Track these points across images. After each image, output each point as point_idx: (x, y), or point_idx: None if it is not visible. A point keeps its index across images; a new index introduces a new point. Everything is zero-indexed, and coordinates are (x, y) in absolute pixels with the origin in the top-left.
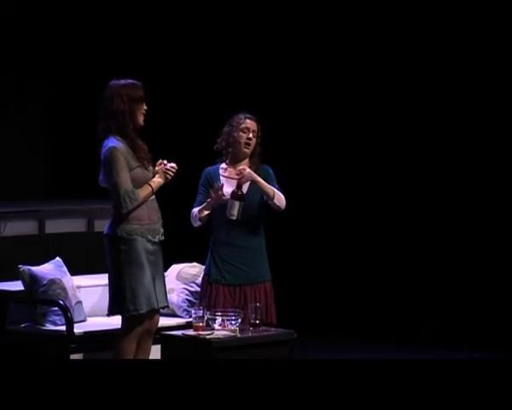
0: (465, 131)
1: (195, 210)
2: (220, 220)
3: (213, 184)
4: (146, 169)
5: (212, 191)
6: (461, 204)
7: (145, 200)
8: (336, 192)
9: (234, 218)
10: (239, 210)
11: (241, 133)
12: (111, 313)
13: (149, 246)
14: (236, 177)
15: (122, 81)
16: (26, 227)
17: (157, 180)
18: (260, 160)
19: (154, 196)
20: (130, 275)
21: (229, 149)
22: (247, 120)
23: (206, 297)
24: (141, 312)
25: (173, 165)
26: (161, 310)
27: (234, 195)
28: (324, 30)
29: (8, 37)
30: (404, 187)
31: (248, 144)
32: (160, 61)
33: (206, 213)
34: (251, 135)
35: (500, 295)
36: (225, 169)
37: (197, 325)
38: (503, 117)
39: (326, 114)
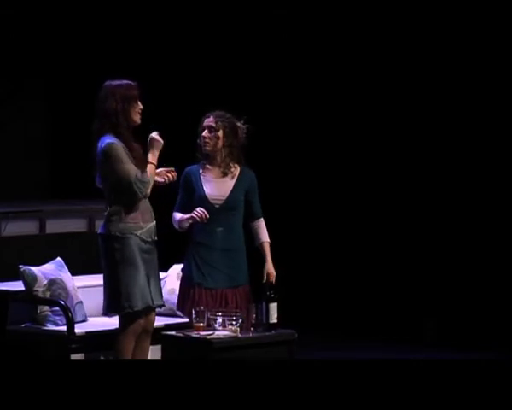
0: (465, 131)
1: (177, 217)
2: (201, 223)
3: (191, 184)
4: (140, 168)
5: (197, 214)
6: (462, 202)
7: (153, 177)
8: (337, 192)
9: (276, 321)
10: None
11: (201, 133)
12: (107, 311)
13: (143, 245)
14: (214, 178)
15: (116, 81)
16: (26, 227)
17: (151, 153)
18: (239, 160)
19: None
20: (125, 273)
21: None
22: (205, 119)
23: (188, 300)
24: (136, 309)
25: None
26: (161, 310)
27: (268, 298)
28: (318, 30)
29: (8, 35)
30: (405, 186)
31: (205, 142)
32: (161, 59)
33: (187, 224)
34: (205, 132)
35: (502, 294)
36: (204, 168)
37: (198, 325)
38: (502, 117)
39: (327, 113)
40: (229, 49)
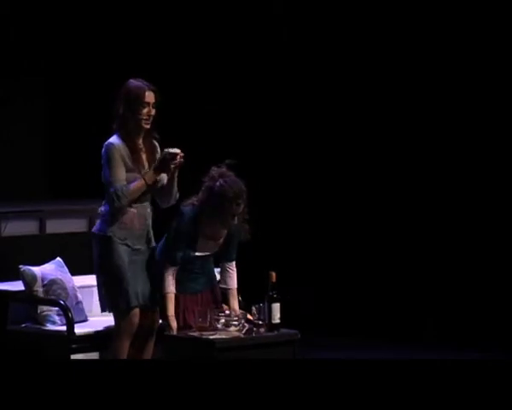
0: (465, 131)
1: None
2: None
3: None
4: (139, 173)
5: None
6: (461, 202)
7: (137, 193)
8: (338, 192)
9: (279, 322)
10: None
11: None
12: (102, 309)
13: (130, 250)
14: (209, 252)
15: (130, 82)
16: (26, 227)
17: (151, 172)
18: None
19: (146, 203)
20: (110, 274)
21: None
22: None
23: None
24: (121, 309)
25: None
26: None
27: (270, 299)
28: (317, 31)
29: (8, 34)
30: (404, 186)
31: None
32: (161, 58)
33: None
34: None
35: (502, 294)
36: (201, 234)
37: (200, 325)
38: (502, 117)
39: (329, 110)
40: (226, 49)
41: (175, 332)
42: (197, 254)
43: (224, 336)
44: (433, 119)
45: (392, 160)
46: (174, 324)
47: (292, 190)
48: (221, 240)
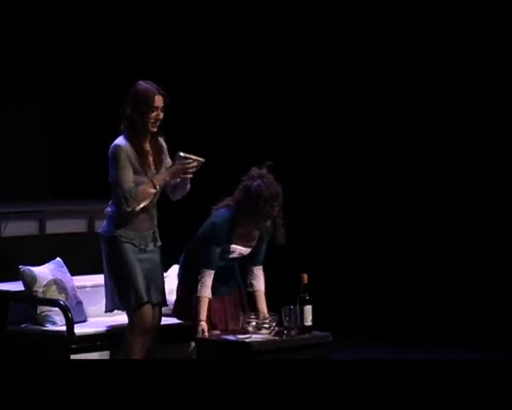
0: (465, 131)
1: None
2: None
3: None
4: (146, 176)
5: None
6: (463, 203)
7: (146, 197)
8: (338, 194)
9: (311, 324)
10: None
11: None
12: (105, 310)
13: (137, 249)
14: (243, 253)
15: (139, 84)
16: (26, 227)
17: (161, 176)
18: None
19: (153, 203)
20: (119, 272)
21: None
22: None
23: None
24: (133, 305)
25: (199, 159)
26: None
27: (303, 301)
28: (315, 29)
29: (8, 33)
30: (403, 187)
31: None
32: (162, 58)
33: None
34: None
35: (502, 293)
36: (236, 230)
37: (233, 328)
38: (503, 117)
39: (330, 111)
40: (226, 49)
41: (206, 335)
42: (231, 255)
43: (258, 339)
44: (434, 120)
45: (390, 163)
46: (205, 328)
47: (289, 190)
48: (254, 242)
